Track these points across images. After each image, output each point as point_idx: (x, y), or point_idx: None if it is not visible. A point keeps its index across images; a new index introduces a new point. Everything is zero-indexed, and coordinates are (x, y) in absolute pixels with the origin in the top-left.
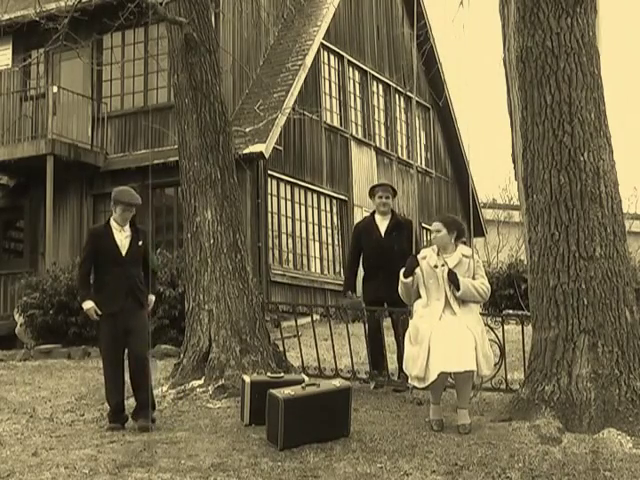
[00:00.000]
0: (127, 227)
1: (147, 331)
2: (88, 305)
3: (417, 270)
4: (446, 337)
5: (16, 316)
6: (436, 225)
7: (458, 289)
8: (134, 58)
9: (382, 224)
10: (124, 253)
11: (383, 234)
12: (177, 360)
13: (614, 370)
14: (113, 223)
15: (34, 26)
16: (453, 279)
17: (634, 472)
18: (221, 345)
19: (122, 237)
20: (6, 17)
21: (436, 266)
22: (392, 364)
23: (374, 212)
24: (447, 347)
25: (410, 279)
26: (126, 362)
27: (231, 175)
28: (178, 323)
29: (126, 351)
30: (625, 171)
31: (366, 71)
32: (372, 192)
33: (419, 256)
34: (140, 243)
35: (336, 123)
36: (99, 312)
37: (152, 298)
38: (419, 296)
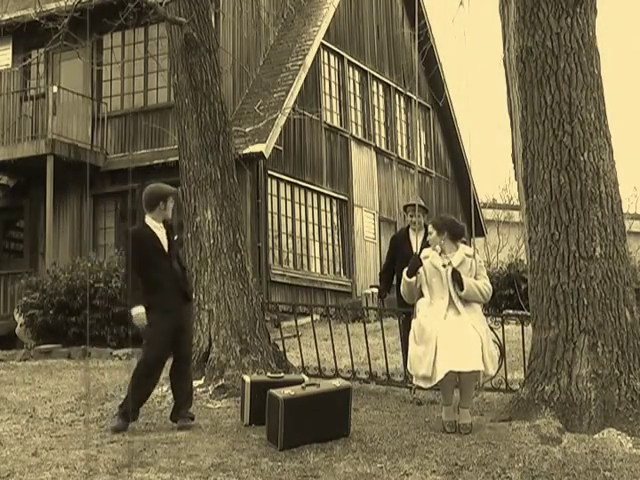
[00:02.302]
0: (161, 224)
1: (193, 324)
2: (139, 310)
3: (420, 269)
4: (453, 336)
5: (16, 316)
6: (429, 227)
7: (462, 288)
8: (134, 58)
9: (415, 240)
10: (167, 250)
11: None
12: None
13: (614, 370)
14: (152, 222)
15: (34, 26)
16: (457, 278)
17: (634, 472)
18: (221, 345)
19: (162, 234)
20: (6, 17)
21: (443, 265)
22: (392, 364)
23: (409, 226)
24: (454, 346)
25: (413, 279)
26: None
27: (231, 175)
28: None
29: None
30: (625, 171)
31: (366, 71)
32: (405, 209)
33: (422, 255)
34: (175, 237)
35: (336, 123)
36: (145, 321)
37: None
38: (422, 295)
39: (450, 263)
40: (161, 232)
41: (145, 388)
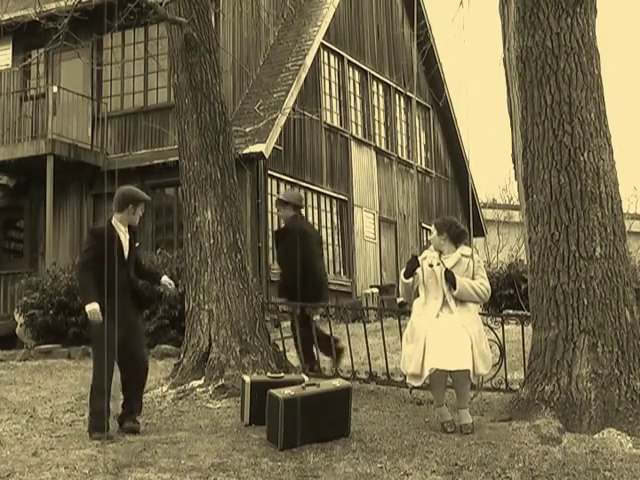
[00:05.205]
0: (126, 228)
1: (144, 336)
2: (95, 307)
3: (417, 270)
4: (442, 335)
5: (16, 316)
6: (432, 227)
7: (455, 288)
8: (134, 58)
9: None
10: (126, 255)
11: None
12: (177, 360)
13: (614, 370)
14: (118, 224)
15: (34, 26)
16: (450, 278)
17: (634, 472)
18: (221, 345)
19: (125, 239)
20: (6, 17)
21: (431, 265)
22: (392, 364)
23: None
24: (442, 345)
25: (410, 280)
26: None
27: (231, 175)
28: (178, 323)
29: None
30: (625, 171)
31: (366, 71)
32: None
33: (420, 257)
34: (137, 244)
35: (336, 123)
36: (101, 317)
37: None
38: (418, 295)
39: (439, 263)
40: (124, 236)
41: (98, 388)
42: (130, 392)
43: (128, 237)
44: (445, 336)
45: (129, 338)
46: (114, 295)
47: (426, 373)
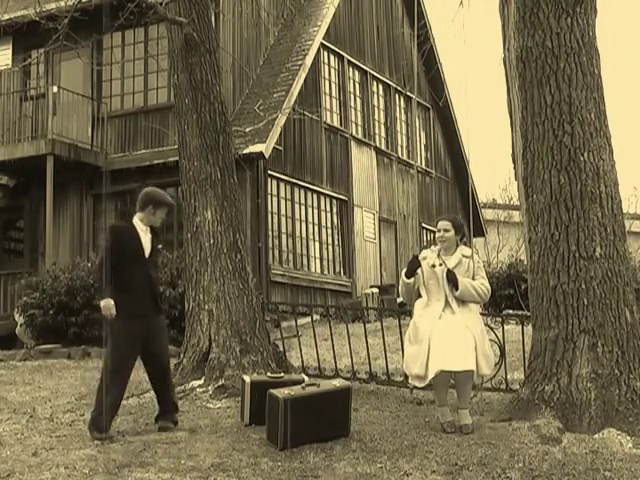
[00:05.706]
0: (147, 228)
1: (167, 336)
2: (107, 302)
3: (418, 270)
4: (445, 336)
5: (16, 316)
6: (445, 224)
7: (457, 289)
8: (134, 58)
9: None
10: (147, 255)
11: None
12: (177, 360)
13: (614, 370)
14: (139, 224)
15: (34, 26)
16: (452, 278)
17: (634, 472)
18: (221, 345)
19: (146, 239)
20: (6, 17)
21: (434, 265)
22: (392, 364)
23: None
24: (446, 346)
25: (412, 279)
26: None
27: (231, 175)
28: (178, 323)
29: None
30: (625, 171)
31: (366, 71)
32: None
33: (420, 257)
34: (160, 246)
35: (336, 123)
36: (114, 312)
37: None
38: (419, 296)
39: (442, 264)
40: (145, 236)
41: (110, 388)
42: (159, 393)
43: (150, 237)
44: (449, 337)
45: (150, 340)
46: (132, 293)
47: (431, 375)
